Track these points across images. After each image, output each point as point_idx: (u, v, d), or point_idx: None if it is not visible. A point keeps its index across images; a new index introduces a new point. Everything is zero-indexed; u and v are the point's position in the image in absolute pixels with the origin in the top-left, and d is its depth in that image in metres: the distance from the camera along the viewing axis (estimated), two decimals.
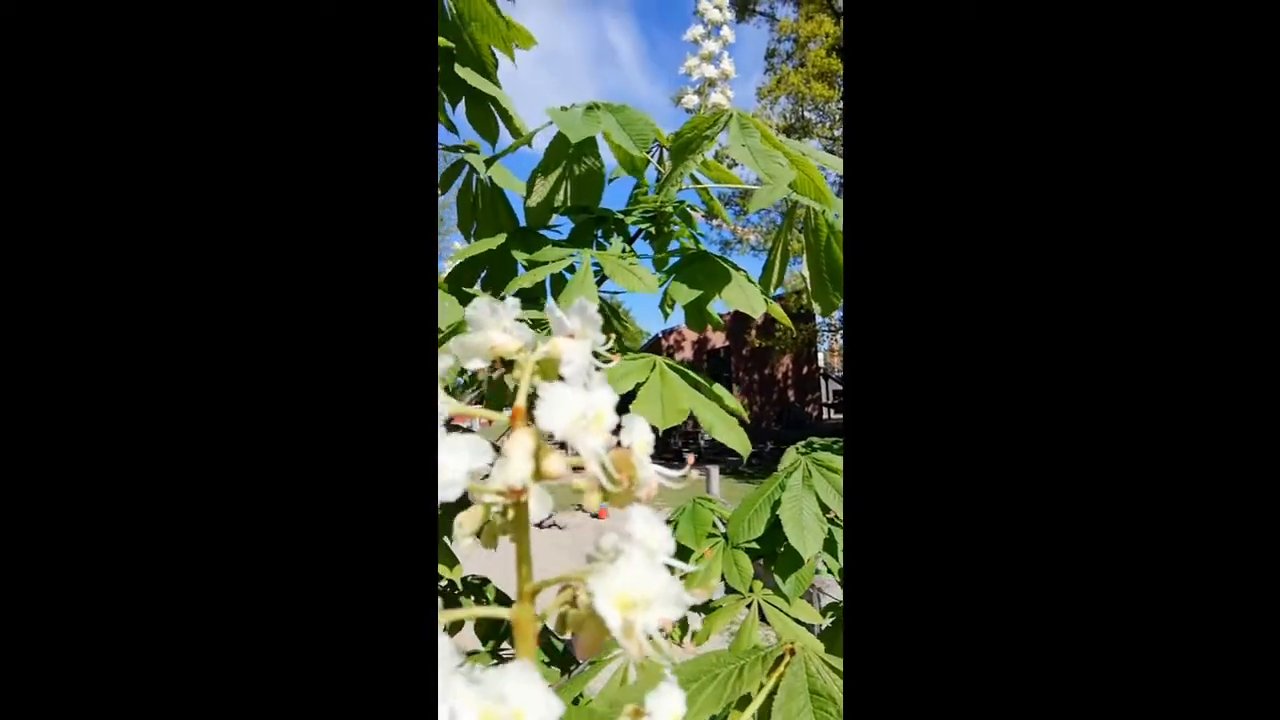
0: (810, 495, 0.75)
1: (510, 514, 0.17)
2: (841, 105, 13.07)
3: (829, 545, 0.75)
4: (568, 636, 0.17)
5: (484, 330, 0.17)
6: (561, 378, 0.17)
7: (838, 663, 0.30)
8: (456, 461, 0.15)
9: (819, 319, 14.37)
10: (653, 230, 0.83)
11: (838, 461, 0.81)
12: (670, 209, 0.81)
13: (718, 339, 14.95)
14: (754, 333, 13.85)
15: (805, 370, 15.66)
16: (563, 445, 0.17)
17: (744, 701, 0.28)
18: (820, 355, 16.02)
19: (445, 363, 0.18)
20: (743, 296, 0.69)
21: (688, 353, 14.78)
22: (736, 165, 0.96)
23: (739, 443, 0.63)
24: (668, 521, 0.89)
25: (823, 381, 15.79)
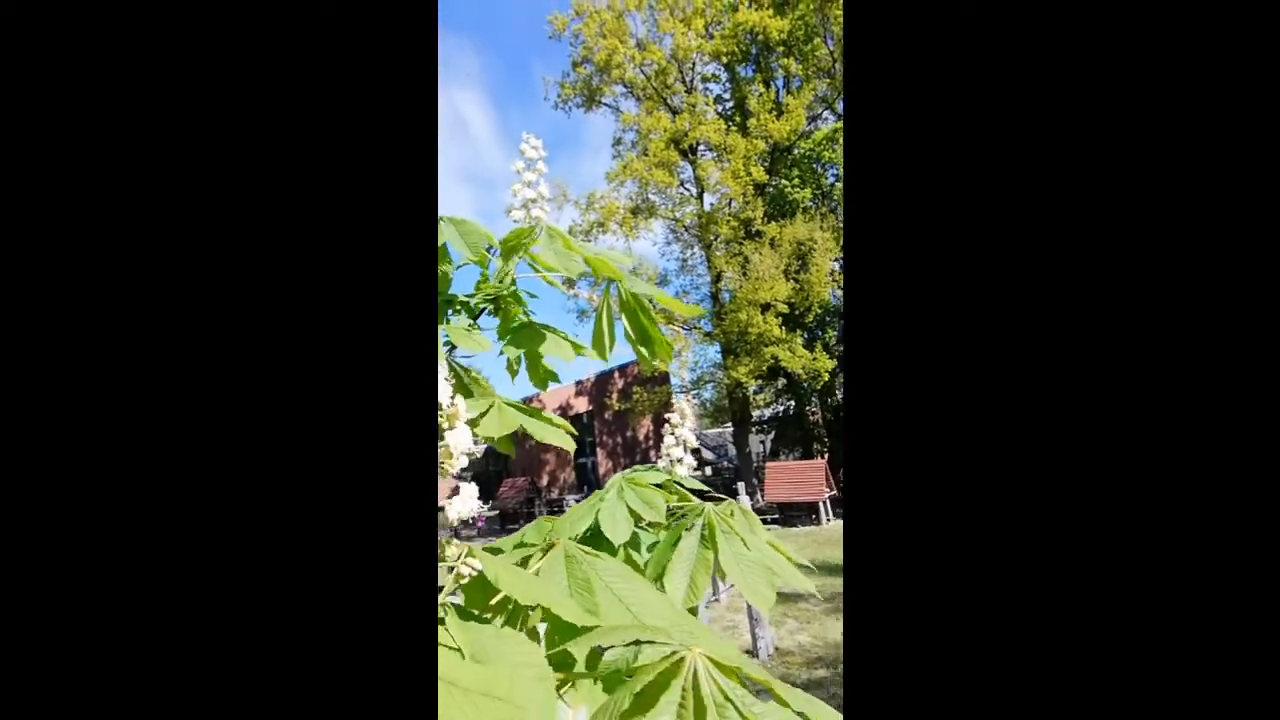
0: (621, 503, 0.99)
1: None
2: (680, 190, 14.55)
3: (633, 542, 0.99)
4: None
5: None
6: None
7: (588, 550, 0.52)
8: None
9: (674, 381, 15.28)
10: (494, 309, 1.06)
11: (645, 478, 1.07)
12: (506, 293, 1.05)
13: (580, 404, 15.21)
14: (614, 397, 14.33)
15: (662, 430, 16.30)
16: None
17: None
18: (675, 416, 16.84)
19: None
20: (557, 349, 0.95)
21: None
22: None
23: (563, 441, 0.87)
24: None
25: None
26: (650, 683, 0.30)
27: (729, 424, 15.51)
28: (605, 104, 15.56)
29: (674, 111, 14.40)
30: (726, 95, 15.34)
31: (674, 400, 1.17)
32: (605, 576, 0.47)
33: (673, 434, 1.12)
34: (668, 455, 1.11)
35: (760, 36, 13.37)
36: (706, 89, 15.24)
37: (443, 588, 0.40)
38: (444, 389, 0.39)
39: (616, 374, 15.07)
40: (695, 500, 1.11)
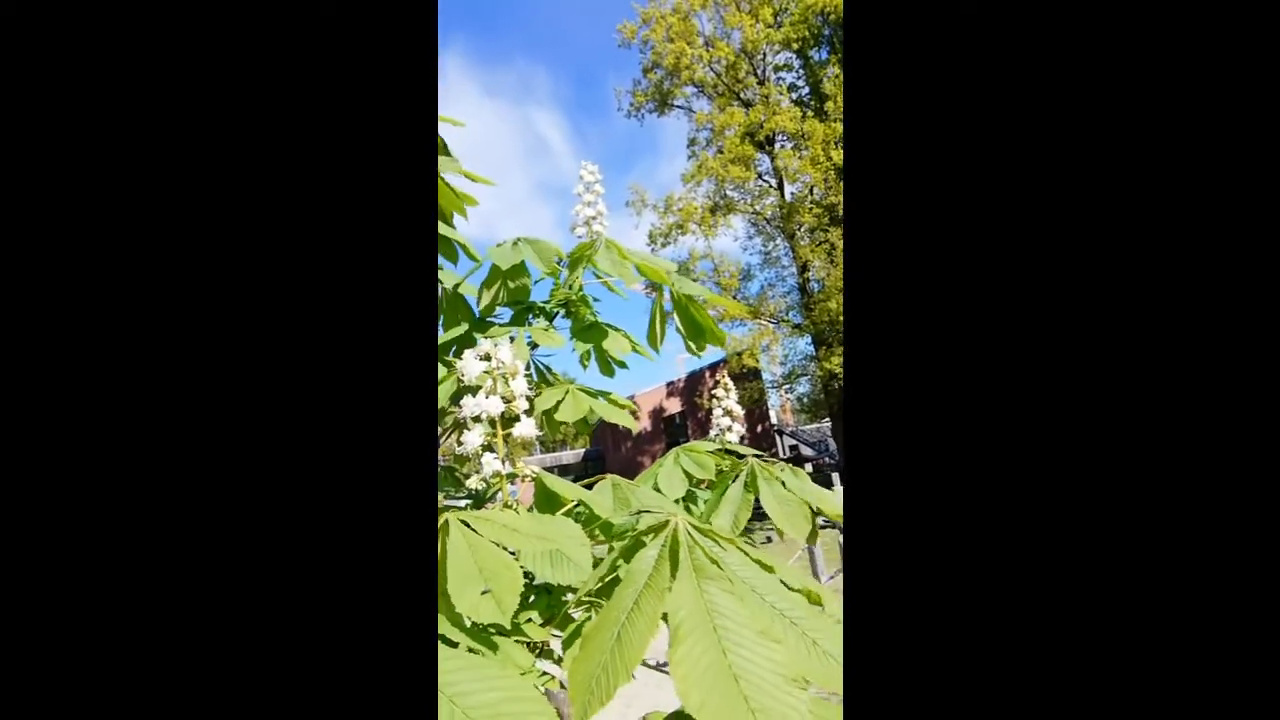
0: (677, 467, 1.16)
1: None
2: (758, 183, 14.44)
3: (690, 498, 1.16)
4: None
5: (480, 348, 0.60)
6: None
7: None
8: (475, 368, 0.58)
9: (765, 377, 15.14)
10: (566, 312, 1.27)
11: (699, 446, 1.23)
12: (575, 298, 1.25)
13: (673, 405, 15.46)
14: (705, 396, 14.44)
15: (759, 429, 16.18)
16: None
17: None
18: (772, 413, 16.67)
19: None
20: (615, 343, 1.13)
21: (645, 421, 15.22)
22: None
23: (625, 420, 1.05)
24: None
25: (777, 438, 16.33)
26: (643, 533, 0.47)
27: (827, 418, 15.13)
28: (677, 106, 15.75)
29: (747, 105, 14.33)
30: (800, 82, 15.03)
31: (720, 375, 1.32)
32: (641, 497, 0.64)
33: (720, 406, 1.27)
34: (717, 426, 1.27)
35: (832, 16, 13.01)
36: (779, 78, 15.03)
37: (520, 501, 0.59)
38: (505, 352, 0.59)
39: (707, 373, 15.17)
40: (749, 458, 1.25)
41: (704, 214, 13.75)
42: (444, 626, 0.41)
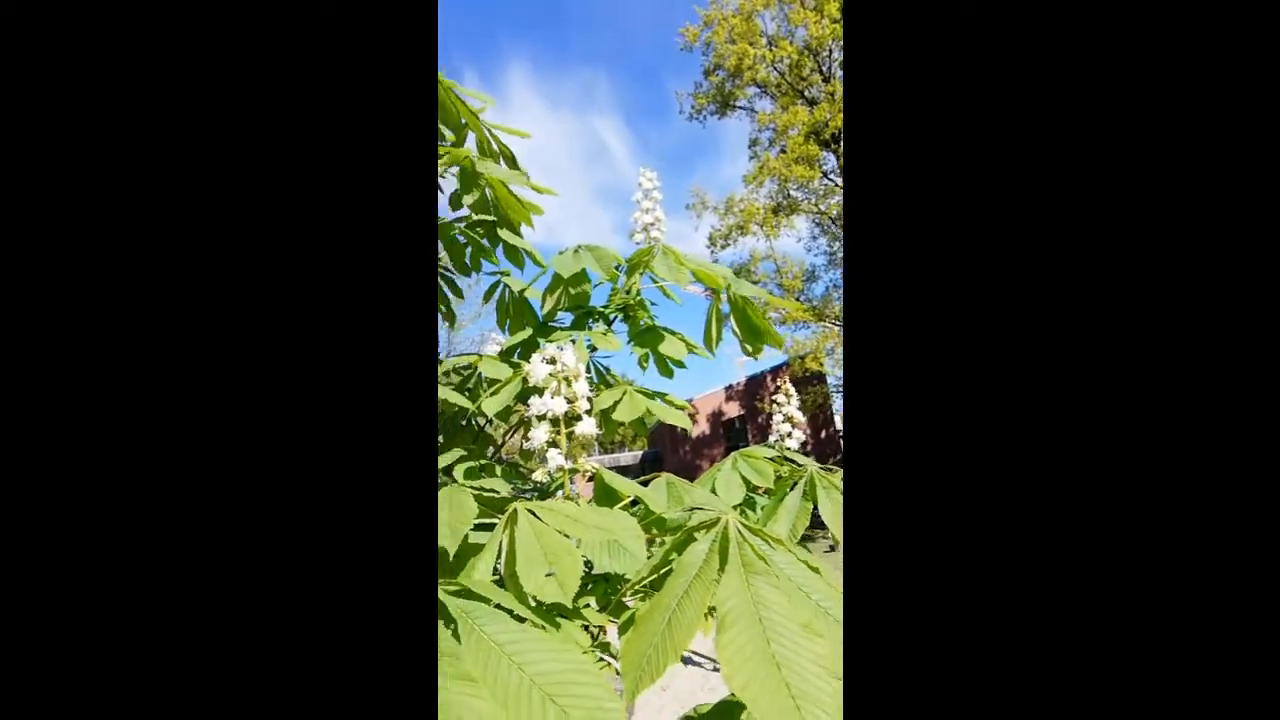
0: (735, 473, 1.18)
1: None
2: (824, 182, 14.11)
3: (749, 503, 1.17)
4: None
5: (545, 352, 0.64)
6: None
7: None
8: (542, 370, 0.62)
9: (830, 381, 14.75)
10: (624, 316, 1.31)
11: (758, 452, 1.24)
12: (633, 302, 1.29)
13: (732, 409, 15.31)
14: (766, 400, 14.21)
15: (824, 434, 15.76)
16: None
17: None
18: (837, 418, 16.20)
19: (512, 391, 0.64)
20: (671, 346, 1.16)
21: (703, 424, 15.15)
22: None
23: (681, 420, 1.08)
24: None
25: (842, 444, 15.85)
26: (695, 528, 0.49)
27: None
28: (740, 107, 15.62)
29: (811, 103, 14.05)
30: None
31: (781, 380, 1.32)
32: (695, 495, 0.66)
33: (780, 412, 1.28)
34: (777, 432, 1.27)
35: None
36: None
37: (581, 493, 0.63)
38: (569, 355, 0.63)
39: (768, 377, 14.93)
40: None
41: (766, 214, 13.57)
42: (511, 603, 0.45)
